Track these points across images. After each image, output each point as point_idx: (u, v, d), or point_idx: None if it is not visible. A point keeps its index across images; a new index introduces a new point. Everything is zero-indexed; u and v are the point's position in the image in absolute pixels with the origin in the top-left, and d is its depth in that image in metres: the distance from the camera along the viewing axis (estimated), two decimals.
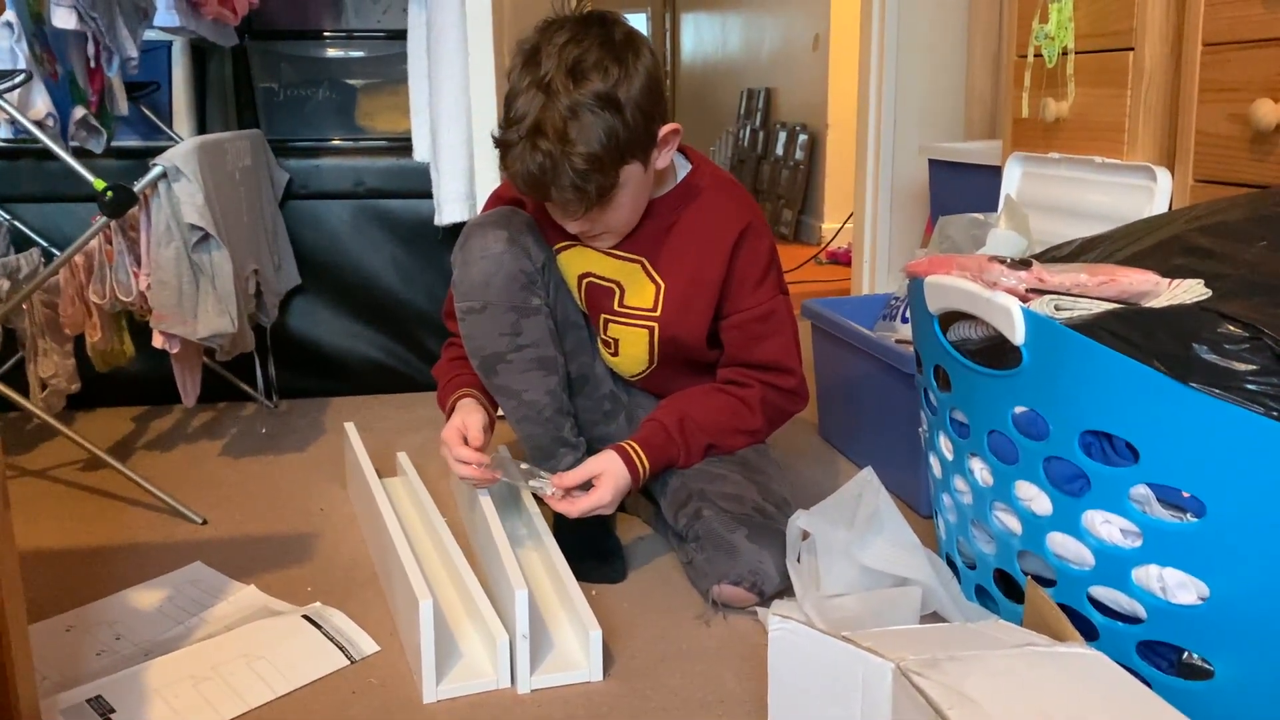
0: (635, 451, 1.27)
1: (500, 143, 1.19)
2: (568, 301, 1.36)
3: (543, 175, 1.15)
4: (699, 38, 6.59)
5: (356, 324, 2.09)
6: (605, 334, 1.37)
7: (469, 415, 1.32)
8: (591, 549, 1.33)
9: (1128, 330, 0.90)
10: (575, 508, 1.23)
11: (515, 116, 1.16)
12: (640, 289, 1.33)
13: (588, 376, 1.38)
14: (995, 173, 1.98)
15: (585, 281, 1.35)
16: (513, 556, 1.14)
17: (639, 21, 7.19)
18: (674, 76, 7.08)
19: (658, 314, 1.33)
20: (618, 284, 1.34)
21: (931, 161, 2.34)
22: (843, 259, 3.69)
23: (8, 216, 1.89)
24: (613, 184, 1.18)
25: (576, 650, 1.10)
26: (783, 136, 4.65)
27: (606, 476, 1.24)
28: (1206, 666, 0.92)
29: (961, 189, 2.25)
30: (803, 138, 4.41)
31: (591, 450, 1.37)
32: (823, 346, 1.80)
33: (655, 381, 1.41)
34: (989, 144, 2.26)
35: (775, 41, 4.98)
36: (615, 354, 1.39)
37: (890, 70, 2.63)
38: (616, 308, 1.34)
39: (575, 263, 1.35)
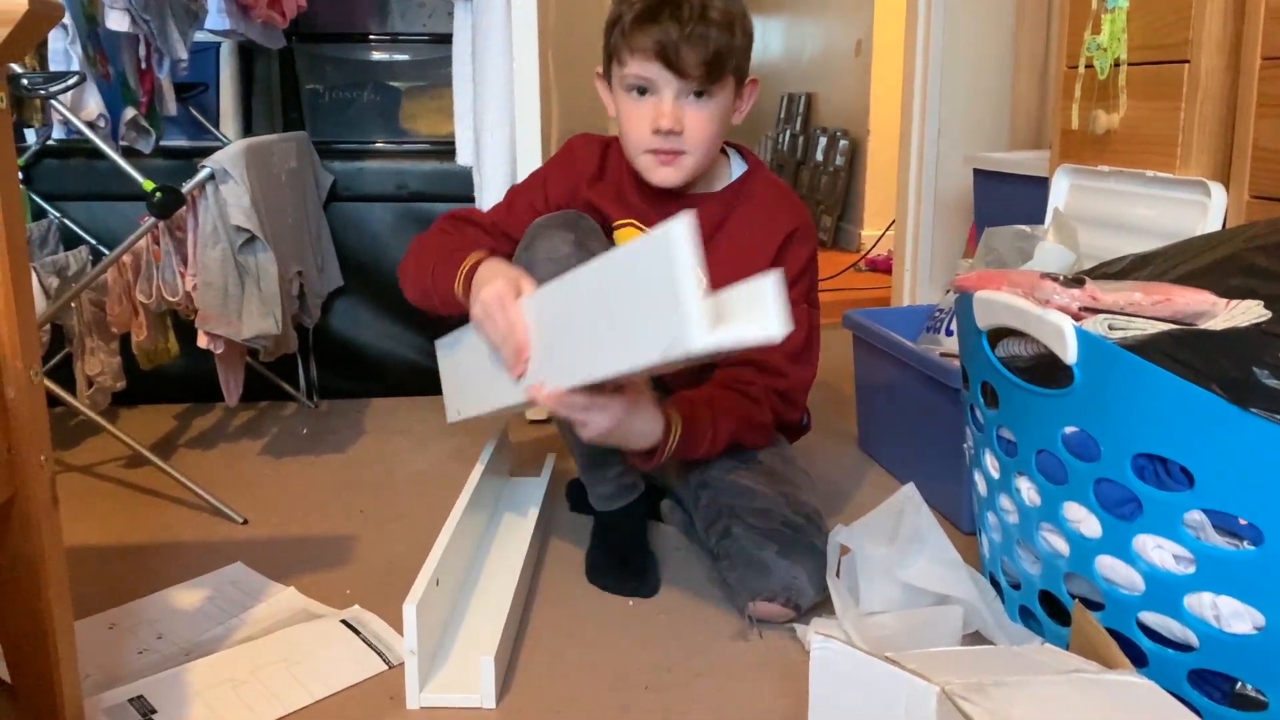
0: (671, 413, 1.19)
1: (623, 11, 1.22)
2: None
3: (681, 32, 1.18)
4: None
5: (397, 326, 2.10)
6: None
7: (513, 271, 1.18)
8: (624, 560, 1.33)
9: (1184, 352, 0.88)
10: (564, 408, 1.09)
11: None
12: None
13: None
14: (1041, 184, 1.95)
15: None
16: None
17: None
18: None
19: None
20: None
21: (976, 171, 2.32)
22: (882, 266, 3.66)
23: (57, 215, 1.92)
24: (728, 65, 1.22)
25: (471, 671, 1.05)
26: (823, 142, 4.62)
27: (632, 406, 1.12)
28: (1261, 698, 0.89)
29: (1006, 199, 2.22)
30: (843, 143, 4.38)
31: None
32: (864, 357, 1.79)
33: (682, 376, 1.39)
34: (1035, 154, 2.23)
35: (816, 46, 4.95)
36: None
37: (934, 78, 2.61)
38: None
39: (627, 240, 1.34)
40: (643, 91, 1.25)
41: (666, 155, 1.27)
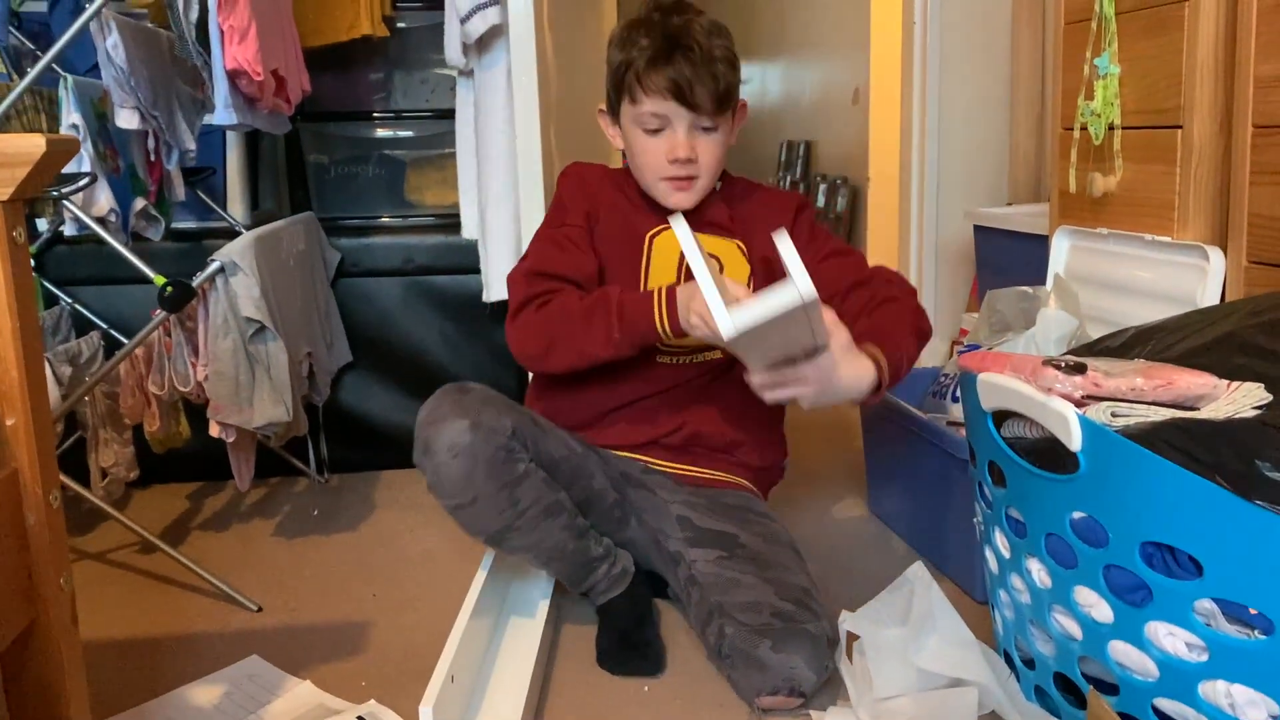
0: (873, 351, 1.25)
1: (630, 58, 1.33)
2: (548, 441, 1.32)
3: (692, 72, 1.30)
4: None
5: (407, 398, 2.11)
6: None
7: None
8: (627, 641, 1.33)
9: (1188, 443, 0.89)
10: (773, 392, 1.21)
11: (652, 37, 1.32)
12: (738, 268, 1.43)
13: (591, 497, 1.37)
14: (1041, 240, 1.97)
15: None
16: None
17: None
18: None
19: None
20: (718, 259, 1.41)
21: (977, 227, 2.33)
22: None
23: (69, 300, 1.94)
24: (732, 98, 1.35)
25: None
26: (823, 189, 4.65)
27: (833, 366, 1.19)
28: None
29: (1007, 253, 2.24)
30: (844, 190, 4.41)
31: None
32: (871, 422, 1.79)
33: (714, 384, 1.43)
34: (1034, 209, 2.25)
35: (815, 94, 5.00)
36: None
37: (932, 130, 2.64)
38: None
39: (675, 242, 1.36)
40: (656, 128, 1.35)
41: (682, 181, 1.37)
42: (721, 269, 1.40)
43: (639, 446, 1.44)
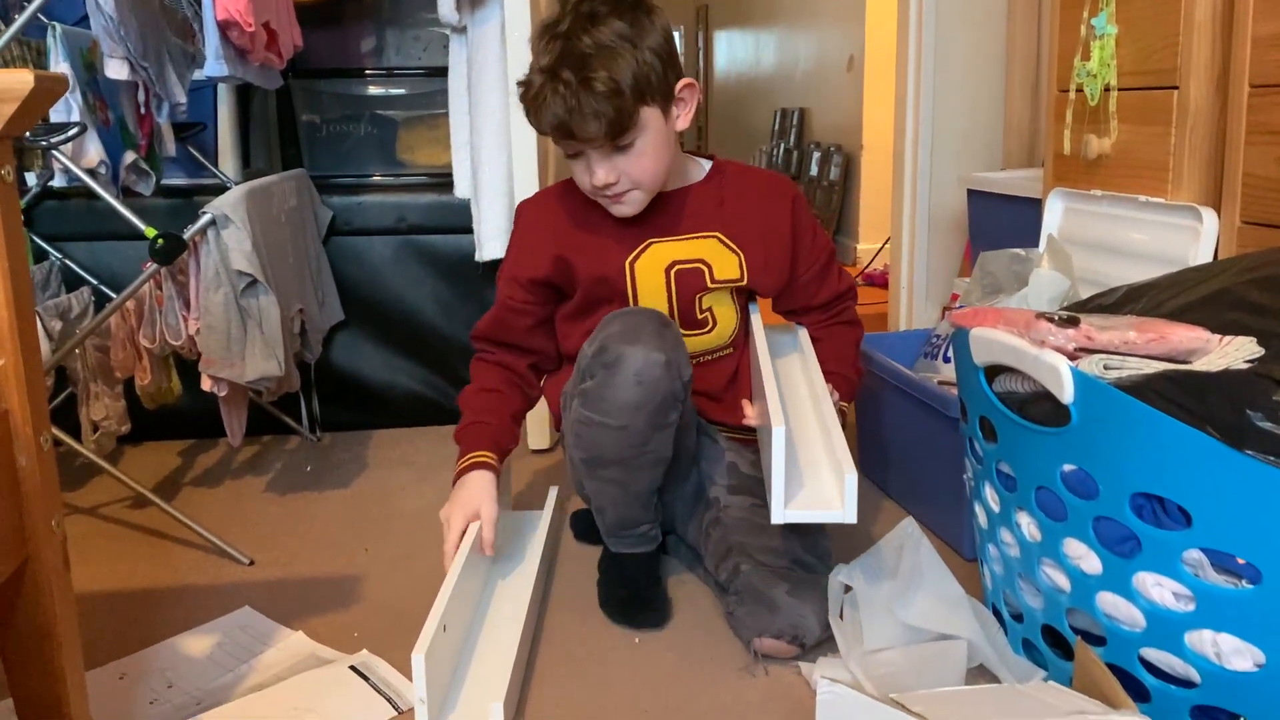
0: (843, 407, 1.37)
1: (524, 92, 1.23)
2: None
3: (567, 111, 1.18)
4: (732, 55, 6.59)
5: (398, 358, 2.11)
6: (700, 311, 1.38)
7: (485, 504, 1.28)
8: (634, 593, 1.34)
9: (1179, 394, 0.90)
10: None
11: (536, 66, 1.21)
12: (725, 261, 1.38)
13: (679, 453, 1.34)
14: (1034, 204, 1.97)
15: (674, 270, 1.36)
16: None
17: None
18: (707, 94, 7.10)
19: (744, 282, 1.38)
20: (704, 261, 1.37)
21: (970, 191, 2.33)
22: (879, 281, 3.68)
23: (59, 256, 1.93)
24: (632, 119, 1.21)
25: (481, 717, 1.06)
26: (817, 156, 4.64)
27: None
28: None
29: (1000, 218, 2.24)
30: (837, 158, 4.40)
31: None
32: (863, 383, 1.79)
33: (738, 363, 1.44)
34: (1028, 174, 2.24)
35: (809, 61, 4.98)
36: (711, 327, 1.40)
37: (927, 97, 2.62)
38: (710, 285, 1.37)
39: (659, 258, 1.35)
40: (573, 154, 1.27)
41: (612, 199, 1.30)
42: (713, 272, 1.36)
43: None
